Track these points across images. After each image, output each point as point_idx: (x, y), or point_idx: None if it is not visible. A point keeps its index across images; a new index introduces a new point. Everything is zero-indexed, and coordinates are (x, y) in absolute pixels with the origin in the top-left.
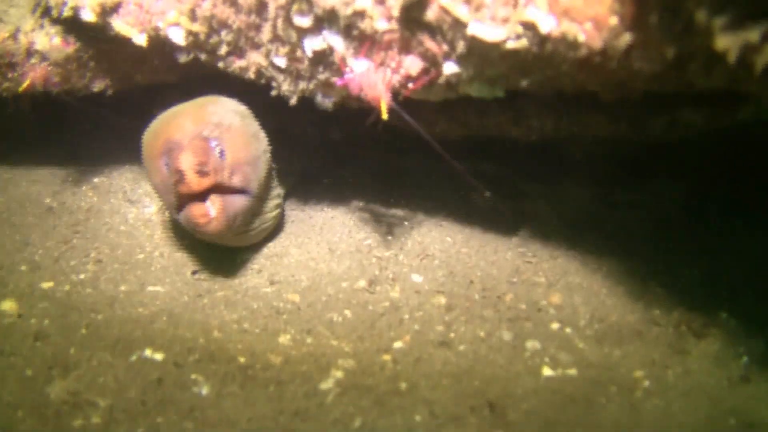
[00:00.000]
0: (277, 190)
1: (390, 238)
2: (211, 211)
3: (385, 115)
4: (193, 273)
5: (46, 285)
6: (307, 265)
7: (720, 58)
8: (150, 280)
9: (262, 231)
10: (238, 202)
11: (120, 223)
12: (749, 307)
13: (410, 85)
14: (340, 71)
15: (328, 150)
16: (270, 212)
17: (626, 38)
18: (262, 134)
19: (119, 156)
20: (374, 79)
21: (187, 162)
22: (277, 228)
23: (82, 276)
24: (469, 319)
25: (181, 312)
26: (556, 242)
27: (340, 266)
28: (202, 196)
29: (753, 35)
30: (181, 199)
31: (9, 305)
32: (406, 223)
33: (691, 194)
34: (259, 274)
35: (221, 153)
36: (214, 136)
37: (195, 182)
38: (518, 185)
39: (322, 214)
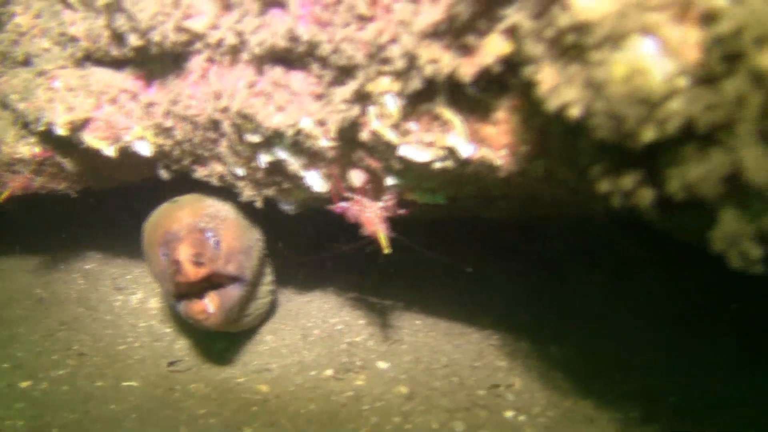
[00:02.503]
0: (270, 276)
1: (362, 322)
2: (209, 308)
3: (387, 250)
4: (169, 364)
5: (24, 384)
6: (279, 353)
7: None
8: (126, 375)
9: (258, 316)
10: (234, 292)
11: (106, 312)
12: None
13: (400, 211)
14: (297, 181)
15: (308, 237)
16: (264, 297)
17: (539, 164)
18: (255, 224)
19: (111, 243)
20: (369, 215)
21: (184, 253)
22: (270, 314)
23: (61, 372)
24: (427, 409)
25: (152, 408)
26: (521, 324)
27: (311, 354)
28: (199, 284)
29: (627, 182)
30: (178, 288)
31: None
32: (379, 307)
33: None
34: (233, 364)
35: (216, 243)
36: (209, 227)
37: (192, 272)
38: (489, 265)
39: (300, 298)
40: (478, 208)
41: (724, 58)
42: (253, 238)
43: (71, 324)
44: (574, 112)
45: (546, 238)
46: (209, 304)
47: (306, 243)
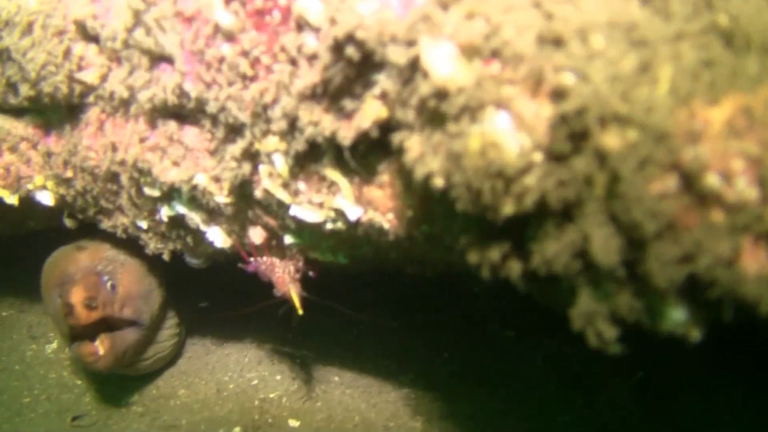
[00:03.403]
0: (174, 320)
1: (279, 378)
2: (99, 350)
3: (300, 311)
4: (73, 419)
5: None
6: (191, 408)
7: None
8: (26, 430)
9: (159, 360)
10: (129, 335)
11: (16, 362)
12: None
13: (311, 273)
14: (199, 236)
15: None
16: (166, 341)
17: (424, 228)
18: (160, 269)
19: (29, 289)
20: (280, 274)
21: (77, 296)
22: (175, 358)
23: None
24: None
25: None
26: (442, 383)
27: (222, 409)
28: (92, 327)
29: (494, 254)
30: (72, 330)
31: None
32: (298, 361)
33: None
34: (142, 418)
35: (113, 287)
36: (107, 271)
37: (83, 316)
38: (413, 319)
39: (220, 350)
40: (398, 264)
41: (571, 135)
42: (154, 282)
43: None
44: (438, 182)
45: (470, 295)
46: (99, 347)
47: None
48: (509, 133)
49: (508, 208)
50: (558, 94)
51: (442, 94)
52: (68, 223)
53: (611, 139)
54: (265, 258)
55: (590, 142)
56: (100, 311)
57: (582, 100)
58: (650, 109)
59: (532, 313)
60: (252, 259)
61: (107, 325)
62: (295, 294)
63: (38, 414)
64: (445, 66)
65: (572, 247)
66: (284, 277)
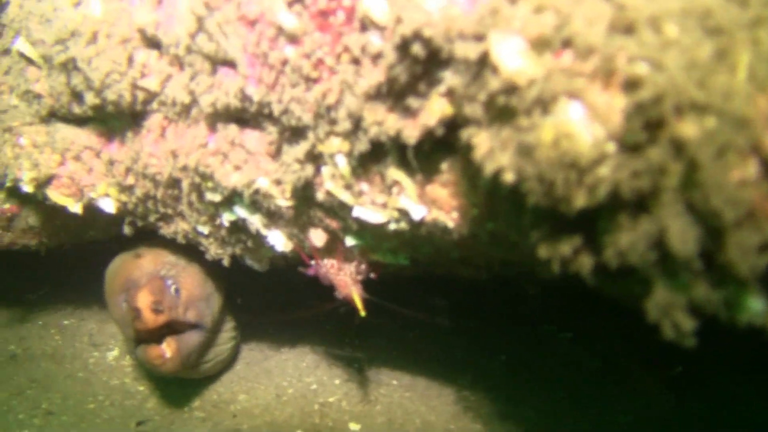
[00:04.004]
0: (232, 323)
1: (337, 382)
2: (166, 353)
3: (363, 313)
4: (138, 424)
5: None
6: (251, 413)
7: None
8: None
9: (218, 363)
10: (193, 338)
11: (79, 369)
12: None
13: (372, 275)
14: (259, 240)
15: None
16: (225, 344)
17: (489, 226)
18: (218, 272)
19: (89, 298)
20: (342, 277)
21: (143, 301)
22: (232, 361)
23: None
24: None
25: None
26: (500, 385)
27: (282, 414)
28: (158, 331)
29: (565, 248)
30: (138, 334)
31: None
32: (356, 365)
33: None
34: (204, 423)
35: (176, 291)
36: (170, 275)
37: (151, 320)
38: (468, 323)
39: (277, 356)
40: (455, 267)
41: (646, 125)
42: (214, 286)
43: (42, 381)
44: (509, 177)
45: (524, 297)
46: (166, 350)
47: (281, 299)
48: (582, 124)
49: (581, 200)
50: (631, 84)
51: (511, 89)
52: (127, 230)
53: (689, 128)
54: (326, 261)
55: (666, 132)
56: (166, 315)
57: (657, 89)
58: (728, 95)
59: (588, 316)
60: (313, 262)
61: (171, 328)
62: (357, 296)
63: (103, 419)
64: (515, 60)
65: (648, 237)
66: (346, 279)
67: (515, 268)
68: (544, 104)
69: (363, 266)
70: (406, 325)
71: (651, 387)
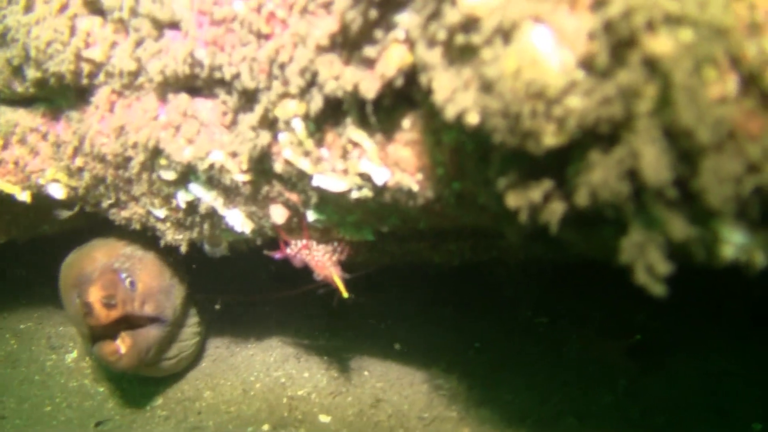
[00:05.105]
0: (196, 318)
1: (306, 375)
2: (121, 349)
3: (345, 294)
4: (97, 425)
5: None
6: (217, 409)
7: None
8: None
9: (183, 360)
10: (151, 333)
11: (36, 373)
12: None
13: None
14: (218, 221)
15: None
16: (189, 339)
17: (456, 186)
18: (180, 263)
19: (48, 298)
20: (320, 258)
21: (94, 295)
22: (198, 357)
23: None
24: None
25: None
26: (474, 372)
27: (250, 408)
28: (114, 326)
29: (535, 194)
30: (92, 331)
31: None
32: (326, 357)
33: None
34: (167, 421)
35: (132, 284)
36: (124, 267)
37: (103, 315)
38: (440, 311)
39: (244, 351)
40: (427, 253)
41: (615, 44)
42: (175, 277)
43: None
44: (472, 118)
45: (497, 284)
46: (121, 345)
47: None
48: (549, 49)
49: (549, 136)
50: (599, 2)
51: (472, 22)
52: (64, 214)
53: (662, 43)
54: (300, 242)
55: (638, 51)
56: (119, 309)
57: (627, 3)
58: (704, 4)
59: (563, 300)
60: (288, 243)
61: (129, 323)
62: (337, 277)
63: (60, 422)
64: None
65: (621, 167)
66: (323, 260)
67: (485, 250)
68: (507, 32)
69: (339, 246)
70: (379, 315)
71: (612, 355)
